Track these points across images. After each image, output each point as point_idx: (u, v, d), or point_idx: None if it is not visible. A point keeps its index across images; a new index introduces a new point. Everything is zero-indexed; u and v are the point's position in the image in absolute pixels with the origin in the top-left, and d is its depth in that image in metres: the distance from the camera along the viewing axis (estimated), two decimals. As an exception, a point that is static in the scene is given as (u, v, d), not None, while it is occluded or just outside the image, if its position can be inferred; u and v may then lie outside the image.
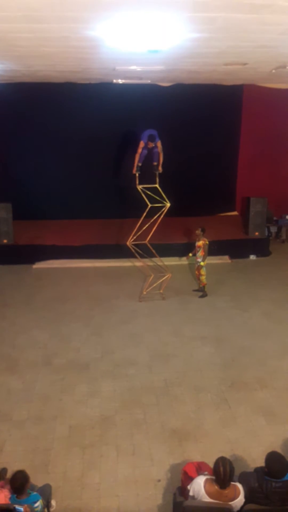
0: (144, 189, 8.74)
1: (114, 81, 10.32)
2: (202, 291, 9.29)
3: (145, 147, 8.49)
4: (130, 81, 10.34)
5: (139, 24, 5.09)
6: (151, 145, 8.45)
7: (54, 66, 8.44)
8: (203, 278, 9.13)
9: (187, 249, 9.83)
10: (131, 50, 6.53)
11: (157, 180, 8.78)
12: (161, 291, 9.19)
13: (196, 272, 9.27)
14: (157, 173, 8.76)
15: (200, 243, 8.98)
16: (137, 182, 8.71)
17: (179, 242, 11.33)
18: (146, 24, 5.05)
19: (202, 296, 9.19)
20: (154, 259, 9.89)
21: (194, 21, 5.02)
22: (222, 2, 4.31)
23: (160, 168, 8.70)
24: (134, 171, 8.66)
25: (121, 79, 10.11)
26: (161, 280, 9.25)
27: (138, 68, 8.51)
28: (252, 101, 12.52)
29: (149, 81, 10.59)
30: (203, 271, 9.08)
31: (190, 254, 9.29)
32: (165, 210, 8.89)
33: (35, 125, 11.84)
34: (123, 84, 10.57)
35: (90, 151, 12.20)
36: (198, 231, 9.04)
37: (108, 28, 5.32)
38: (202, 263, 9.00)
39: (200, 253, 8.99)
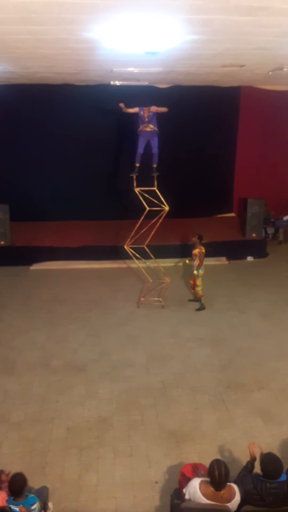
0: (141, 192, 8.49)
1: (112, 82, 10.35)
2: (196, 301, 8.73)
3: (140, 114, 8.22)
4: (127, 83, 10.36)
5: (137, 26, 5.10)
6: (146, 111, 8.13)
7: (52, 67, 8.45)
8: (198, 289, 8.44)
9: (184, 250, 9.69)
10: (128, 51, 6.56)
11: (155, 183, 8.53)
12: (160, 298, 8.77)
13: (191, 282, 8.67)
14: (155, 175, 8.54)
15: (196, 251, 8.38)
16: (135, 185, 8.48)
17: (176, 243, 11.32)
18: (143, 26, 5.07)
19: (199, 309, 8.54)
20: (151, 262, 9.69)
21: (191, 23, 5.04)
22: (219, 5, 4.33)
23: (163, 110, 8.27)
24: (126, 109, 8.18)
25: (119, 80, 10.14)
26: (160, 287, 8.98)
27: (136, 70, 8.53)
28: (249, 103, 12.58)
29: (146, 83, 10.62)
30: (199, 282, 8.40)
31: (187, 261, 8.65)
32: (163, 214, 8.60)
33: (33, 126, 11.85)
34: (120, 86, 10.59)
35: (87, 153, 12.22)
36: (195, 239, 8.47)
37: (106, 30, 5.34)
38: (195, 272, 8.35)
39: (196, 262, 8.37)
